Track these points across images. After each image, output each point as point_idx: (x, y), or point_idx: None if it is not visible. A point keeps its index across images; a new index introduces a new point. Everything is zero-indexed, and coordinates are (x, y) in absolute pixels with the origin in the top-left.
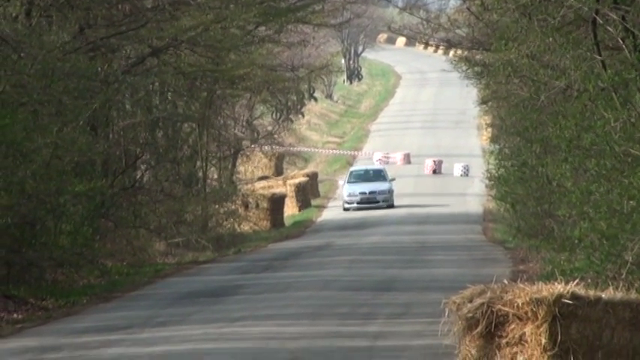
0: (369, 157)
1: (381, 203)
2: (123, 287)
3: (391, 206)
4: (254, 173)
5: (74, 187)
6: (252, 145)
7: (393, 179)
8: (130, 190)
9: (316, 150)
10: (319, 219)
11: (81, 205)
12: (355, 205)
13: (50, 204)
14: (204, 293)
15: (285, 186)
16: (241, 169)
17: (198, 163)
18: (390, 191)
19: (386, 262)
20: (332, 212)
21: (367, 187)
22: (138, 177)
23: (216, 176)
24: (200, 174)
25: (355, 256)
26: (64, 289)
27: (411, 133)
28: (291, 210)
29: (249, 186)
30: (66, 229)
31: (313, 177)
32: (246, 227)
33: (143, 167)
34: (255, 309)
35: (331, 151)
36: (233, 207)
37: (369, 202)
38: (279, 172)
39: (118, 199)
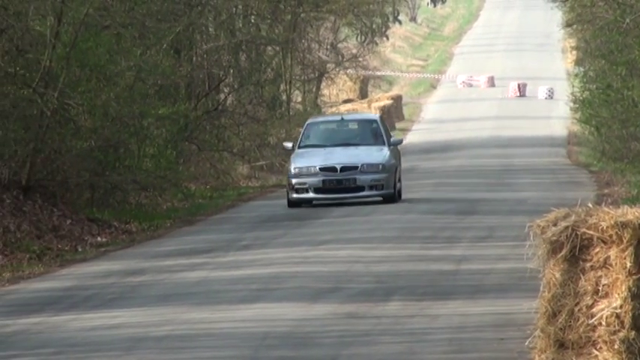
0: (453, 80)
1: (366, 192)
2: (206, 210)
3: (390, 198)
4: (338, 96)
5: (157, 110)
6: (337, 68)
7: (398, 141)
8: (214, 113)
9: (400, 73)
10: (404, 142)
11: (164, 128)
12: (311, 194)
13: (134, 127)
14: (287, 217)
15: (370, 109)
16: (325, 92)
17: (282, 86)
18: (390, 166)
19: (470, 185)
20: (416, 135)
21: (339, 156)
22: (221, 100)
23: (300, 99)
24: (284, 97)
25: (439, 179)
26: (148, 213)
27: (495, 56)
28: None
29: (334, 109)
30: (149, 153)
31: (398, 100)
32: None
33: (226, 90)
34: (339, 232)
35: (415, 74)
36: None
37: (339, 189)
38: (363, 95)
39: (201, 122)
